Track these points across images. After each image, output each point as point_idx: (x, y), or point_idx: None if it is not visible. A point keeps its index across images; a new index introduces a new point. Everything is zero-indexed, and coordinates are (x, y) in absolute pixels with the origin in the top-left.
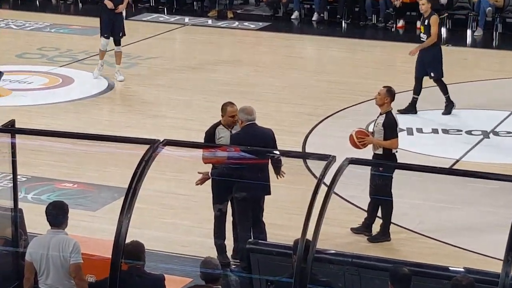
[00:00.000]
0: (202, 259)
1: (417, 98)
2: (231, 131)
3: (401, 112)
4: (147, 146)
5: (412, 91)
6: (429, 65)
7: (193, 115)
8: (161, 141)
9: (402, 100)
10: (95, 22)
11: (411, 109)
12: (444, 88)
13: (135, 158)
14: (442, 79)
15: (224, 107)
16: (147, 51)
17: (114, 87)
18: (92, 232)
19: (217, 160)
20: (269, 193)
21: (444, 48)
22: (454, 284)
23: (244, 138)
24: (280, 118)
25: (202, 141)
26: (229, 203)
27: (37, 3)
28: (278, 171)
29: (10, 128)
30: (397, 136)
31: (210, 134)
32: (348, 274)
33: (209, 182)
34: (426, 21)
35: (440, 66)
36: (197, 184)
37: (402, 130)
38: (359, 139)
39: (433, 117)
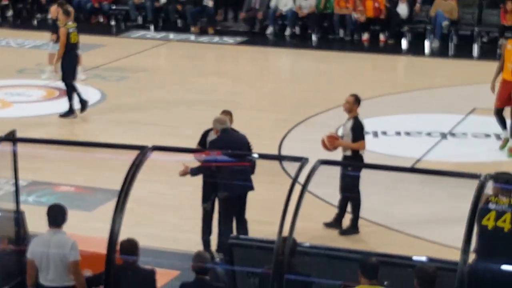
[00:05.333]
0: (195, 253)
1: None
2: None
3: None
4: (137, 152)
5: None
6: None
7: (178, 123)
8: (149, 147)
9: (367, 106)
10: (86, 39)
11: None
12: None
13: (127, 163)
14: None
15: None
16: (136, 66)
17: (106, 98)
18: (88, 231)
19: (204, 163)
20: (251, 189)
21: (404, 58)
22: (418, 272)
23: (219, 144)
24: (258, 124)
25: (188, 145)
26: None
27: (35, 22)
28: None
29: (12, 138)
30: (364, 139)
31: (203, 136)
32: (321, 265)
33: (200, 183)
34: None
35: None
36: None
37: (368, 133)
38: (330, 142)
39: (396, 121)
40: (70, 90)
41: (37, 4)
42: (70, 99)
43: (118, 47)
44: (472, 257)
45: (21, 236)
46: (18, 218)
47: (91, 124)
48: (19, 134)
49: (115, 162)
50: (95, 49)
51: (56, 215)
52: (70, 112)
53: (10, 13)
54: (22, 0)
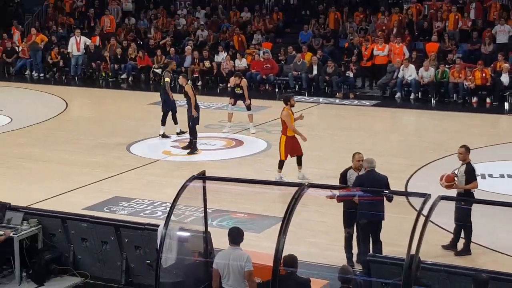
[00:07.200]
0: (340, 267)
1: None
2: (358, 173)
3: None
4: (296, 188)
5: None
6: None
7: (327, 166)
8: (306, 184)
9: (477, 154)
10: (256, 102)
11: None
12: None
13: (288, 196)
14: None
15: (353, 155)
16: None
17: (271, 147)
18: (258, 247)
19: (347, 198)
20: (383, 219)
21: (505, 117)
22: None
23: (366, 180)
24: (389, 167)
25: (338, 181)
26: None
27: (218, 90)
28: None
29: (202, 176)
30: (476, 180)
31: (343, 175)
32: (441, 279)
33: (341, 212)
34: None
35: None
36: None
37: (477, 175)
38: (448, 185)
39: (500, 166)
40: (194, 133)
41: (219, 76)
42: (195, 138)
43: (280, 108)
44: None
45: (208, 251)
46: (206, 237)
47: (258, 167)
48: (207, 174)
49: (279, 195)
50: (262, 110)
51: (235, 235)
52: (194, 150)
53: (199, 83)
54: (209, 74)
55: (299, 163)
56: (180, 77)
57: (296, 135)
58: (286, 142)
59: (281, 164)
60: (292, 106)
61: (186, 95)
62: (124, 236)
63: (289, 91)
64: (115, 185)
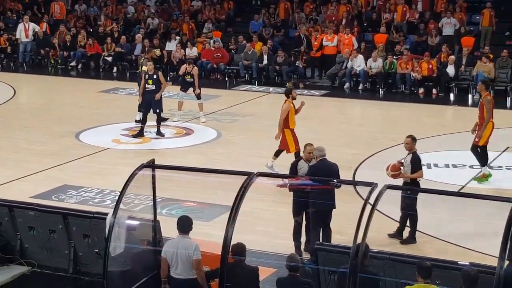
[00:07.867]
0: (288, 255)
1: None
2: (308, 164)
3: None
4: (245, 177)
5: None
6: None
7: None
8: (255, 173)
9: (423, 144)
10: (207, 91)
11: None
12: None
13: (237, 185)
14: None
15: (305, 146)
16: (244, 111)
17: (221, 136)
18: (207, 236)
19: (298, 186)
20: (334, 207)
21: (453, 108)
22: (464, 274)
23: (318, 169)
24: (337, 156)
25: (288, 171)
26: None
27: (168, 78)
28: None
29: (151, 165)
30: (421, 169)
31: (294, 166)
32: (386, 267)
33: (291, 201)
34: None
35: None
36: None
37: (423, 165)
38: (393, 170)
39: (445, 155)
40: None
41: (170, 64)
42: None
43: (231, 97)
44: (506, 263)
45: (157, 240)
46: (155, 226)
47: (210, 155)
48: (156, 162)
49: (228, 184)
50: (213, 99)
51: (184, 224)
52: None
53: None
54: (159, 62)
55: (277, 155)
56: (149, 64)
57: (278, 130)
58: (289, 135)
59: (296, 155)
60: (294, 99)
61: (157, 82)
62: (72, 224)
63: (239, 80)
64: (64, 173)
